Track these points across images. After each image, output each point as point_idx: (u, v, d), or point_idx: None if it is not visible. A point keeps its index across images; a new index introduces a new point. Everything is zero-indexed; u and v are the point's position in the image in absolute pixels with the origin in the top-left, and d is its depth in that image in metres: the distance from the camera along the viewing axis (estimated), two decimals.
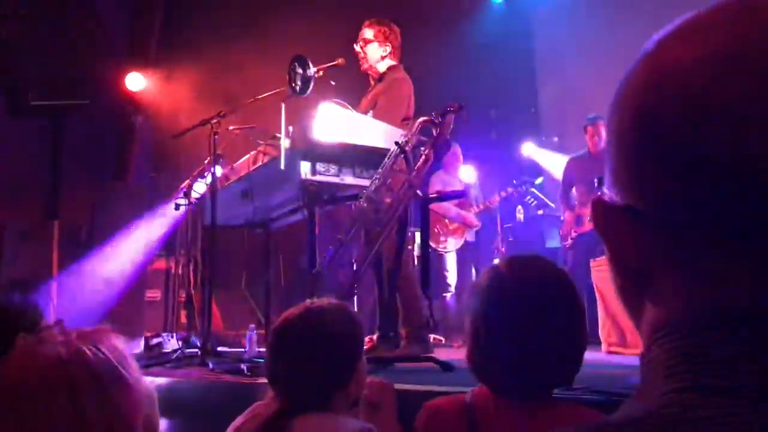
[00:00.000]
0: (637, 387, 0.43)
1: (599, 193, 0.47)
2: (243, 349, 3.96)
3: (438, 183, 5.06)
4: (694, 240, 0.40)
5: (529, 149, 6.63)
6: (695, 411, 0.37)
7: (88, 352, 0.99)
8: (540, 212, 5.92)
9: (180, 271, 5.38)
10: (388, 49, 3.65)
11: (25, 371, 0.96)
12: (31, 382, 0.95)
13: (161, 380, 2.72)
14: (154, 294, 6.08)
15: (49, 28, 5.55)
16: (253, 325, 4.05)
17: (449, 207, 5.38)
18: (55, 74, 5.57)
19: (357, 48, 3.67)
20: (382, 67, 3.67)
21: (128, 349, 1.07)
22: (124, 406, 0.98)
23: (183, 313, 5.40)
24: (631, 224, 0.43)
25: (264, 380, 1.58)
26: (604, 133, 4.71)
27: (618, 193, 0.44)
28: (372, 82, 3.73)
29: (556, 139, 6.42)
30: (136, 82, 6.35)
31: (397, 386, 1.79)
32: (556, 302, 1.20)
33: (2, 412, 0.94)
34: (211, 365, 3.06)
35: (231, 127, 3.82)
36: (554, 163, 6.14)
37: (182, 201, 4.26)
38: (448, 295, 5.39)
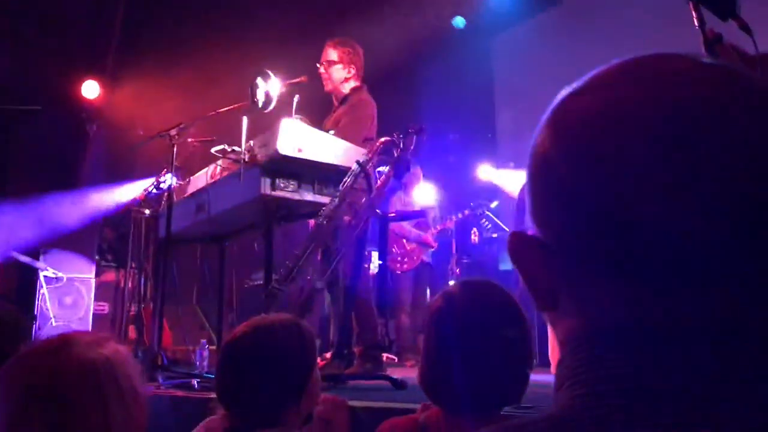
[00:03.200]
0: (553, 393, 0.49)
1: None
2: (194, 365, 3.89)
3: (397, 203, 5.10)
4: (584, 267, 0.46)
5: (486, 172, 6.74)
6: (589, 412, 0.43)
7: (114, 359, 1.00)
8: (494, 235, 6.01)
9: (131, 284, 5.26)
10: (353, 71, 3.66)
11: (58, 370, 0.96)
12: (65, 382, 0.95)
13: None
14: (101, 307, 5.93)
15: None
16: (204, 341, 3.98)
17: (408, 227, 5.42)
18: (5, 79, 5.43)
19: (321, 69, 3.67)
20: (345, 88, 3.67)
21: (136, 359, 1.10)
22: (139, 414, 1.00)
23: (131, 328, 5.27)
24: (539, 253, 0.50)
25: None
26: None
27: (532, 226, 0.51)
28: (336, 103, 3.74)
29: (512, 164, 6.55)
30: (91, 89, 6.24)
31: (351, 403, 1.79)
32: (503, 326, 1.25)
33: (34, 412, 0.93)
34: (161, 380, 3.00)
35: (190, 139, 3.79)
36: (512, 181, 6.27)
37: (136, 212, 4.19)
38: (403, 314, 5.41)
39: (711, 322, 0.42)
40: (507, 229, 5.92)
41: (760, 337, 0.42)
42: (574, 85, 0.51)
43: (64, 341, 1.01)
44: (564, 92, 0.51)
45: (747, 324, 0.42)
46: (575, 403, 0.44)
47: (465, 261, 6.05)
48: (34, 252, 5.70)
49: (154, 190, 4.10)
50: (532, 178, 0.51)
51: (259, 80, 3.12)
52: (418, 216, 4.89)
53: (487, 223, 6.00)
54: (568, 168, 0.47)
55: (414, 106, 6.79)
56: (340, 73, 3.65)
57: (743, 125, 0.43)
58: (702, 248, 0.42)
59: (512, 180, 6.31)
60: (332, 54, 3.65)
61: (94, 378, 0.97)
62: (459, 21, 6.83)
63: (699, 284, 0.42)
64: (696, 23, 1.77)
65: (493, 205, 6.13)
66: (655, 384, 0.42)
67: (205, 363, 3.72)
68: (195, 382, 2.74)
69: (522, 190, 5.24)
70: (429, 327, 1.31)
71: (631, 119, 0.45)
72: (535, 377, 1.33)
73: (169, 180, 3.63)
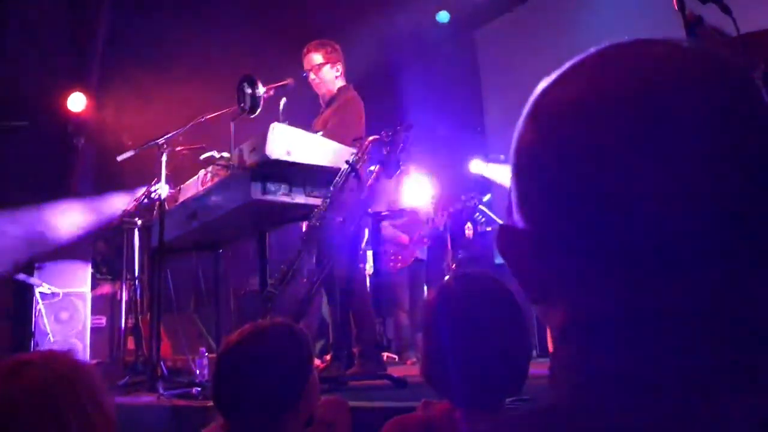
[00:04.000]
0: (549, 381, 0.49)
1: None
2: (194, 374, 3.88)
3: (384, 200, 5.10)
4: (572, 260, 0.46)
5: (477, 166, 6.74)
6: (583, 404, 0.43)
7: (71, 376, 0.98)
8: (488, 228, 6.01)
9: (126, 296, 5.24)
10: (339, 68, 3.68)
11: (11, 397, 0.94)
12: (19, 409, 0.92)
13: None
14: (99, 320, 5.91)
15: None
16: (203, 349, 3.97)
17: (386, 226, 5.42)
18: None
19: (312, 76, 3.65)
20: (335, 88, 3.68)
21: (98, 371, 1.07)
22: (103, 426, 0.98)
23: (130, 339, 5.25)
24: (527, 247, 0.49)
25: None
26: None
27: (519, 220, 0.51)
28: (323, 104, 3.74)
29: (502, 157, 6.56)
30: (77, 102, 6.21)
31: (352, 404, 1.79)
32: (501, 317, 1.25)
33: None
34: (161, 390, 2.99)
35: (179, 148, 3.77)
36: (503, 174, 6.28)
37: (128, 223, 4.17)
38: (401, 313, 5.41)
39: (701, 313, 0.42)
40: (501, 222, 5.92)
41: (751, 324, 0.42)
42: (553, 75, 0.51)
43: (13, 367, 0.98)
44: (543, 83, 0.51)
45: (738, 313, 0.42)
46: (569, 395, 0.45)
47: (460, 256, 6.05)
48: (28, 268, 5.67)
49: (146, 200, 4.09)
50: (517, 172, 0.51)
51: (245, 85, 3.11)
52: (409, 215, 4.88)
53: (480, 216, 6.00)
54: (551, 161, 0.47)
55: (402, 102, 6.78)
56: (329, 74, 3.67)
57: (725, 112, 0.43)
58: (691, 240, 0.42)
59: (503, 173, 6.32)
60: (317, 58, 3.65)
61: (48, 399, 0.93)
62: (443, 15, 6.83)
63: (689, 275, 0.42)
64: (675, 6, 1.78)
65: (486, 198, 6.13)
66: (648, 375, 0.42)
67: (205, 371, 3.71)
68: (195, 390, 2.73)
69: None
70: (427, 321, 1.31)
71: (611, 109, 0.44)
72: (535, 369, 1.33)
73: (159, 189, 3.61)
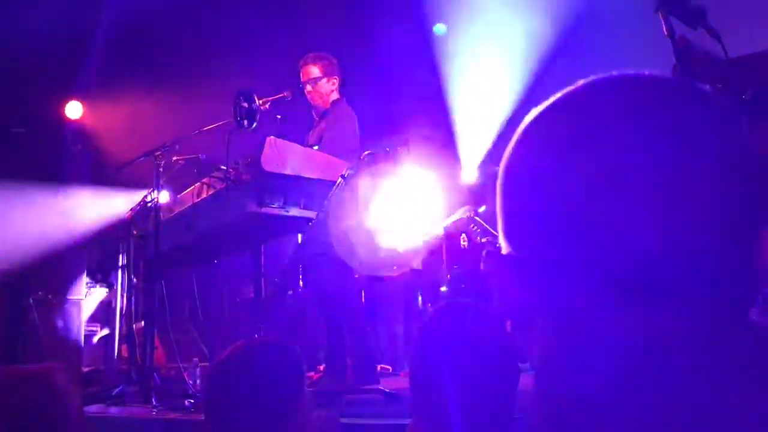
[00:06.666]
0: None
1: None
2: (187, 384, 3.88)
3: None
4: (563, 280, 0.48)
5: (470, 176, 6.75)
6: (569, 419, 0.46)
7: (40, 394, 0.98)
8: (484, 240, 6.02)
9: (122, 304, 5.24)
10: (336, 81, 3.71)
11: None
12: None
13: (102, 416, 2.65)
14: (93, 327, 5.90)
15: None
16: (196, 359, 3.98)
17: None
18: None
19: (308, 88, 3.68)
20: (329, 101, 3.70)
21: (74, 387, 1.06)
22: None
23: (124, 347, 5.25)
24: (513, 271, 0.51)
25: None
26: None
27: (505, 245, 0.53)
28: (316, 117, 3.76)
29: (497, 168, 6.59)
30: (74, 110, 6.23)
31: (344, 421, 1.80)
32: (489, 351, 1.26)
33: None
34: (154, 401, 3.00)
35: (175, 158, 3.79)
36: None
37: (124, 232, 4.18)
38: (395, 323, 5.42)
39: (692, 333, 0.43)
40: (496, 233, 5.94)
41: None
42: (544, 103, 0.53)
43: None
44: (534, 111, 0.53)
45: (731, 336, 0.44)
46: (557, 411, 0.47)
47: (455, 266, 6.06)
48: (23, 274, 5.66)
49: (141, 210, 4.10)
50: (506, 196, 0.53)
51: (242, 98, 3.14)
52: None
53: (476, 227, 6.01)
54: (534, 182, 0.49)
55: (398, 112, 6.80)
56: (326, 87, 3.69)
57: (719, 143, 0.45)
58: (683, 258, 0.43)
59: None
60: (314, 71, 3.67)
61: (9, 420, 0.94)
62: (440, 28, 6.87)
63: (683, 295, 0.43)
64: (665, 32, 1.81)
65: (481, 209, 6.15)
66: (638, 397, 0.43)
67: (198, 381, 3.72)
68: (188, 402, 2.74)
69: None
70: (412, 371, 1.31)
71: (602, 133, 0.47)
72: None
73: (155, 199, 3.63)
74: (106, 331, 5.79)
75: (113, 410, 2.97)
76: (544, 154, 0.49)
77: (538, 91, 5.46)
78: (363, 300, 4.06)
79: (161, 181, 3.65)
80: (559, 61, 5.40)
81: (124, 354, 5.23)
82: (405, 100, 6.53)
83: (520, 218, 0.51)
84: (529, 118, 0.53)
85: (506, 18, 5.86)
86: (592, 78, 0.52)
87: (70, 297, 5.76)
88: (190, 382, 3.77)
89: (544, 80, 5.39)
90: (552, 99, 0.53)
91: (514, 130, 0.53)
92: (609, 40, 5.28)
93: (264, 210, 3.04)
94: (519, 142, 0.52)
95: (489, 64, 6.09)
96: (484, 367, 1.23)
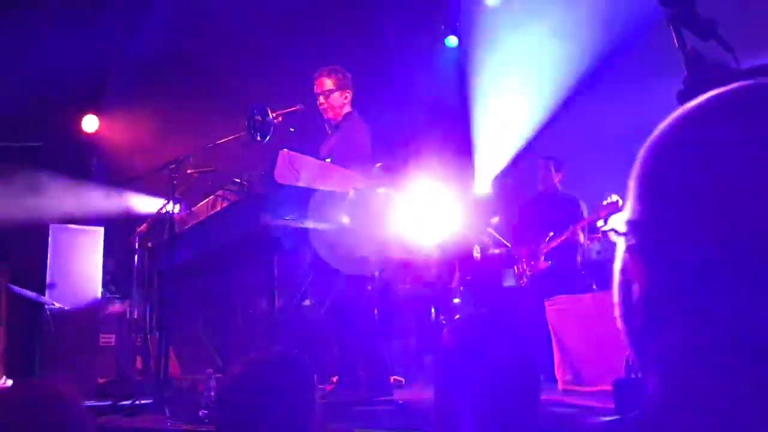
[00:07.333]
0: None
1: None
2: (201, 395, 3.89)
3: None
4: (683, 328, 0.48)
5: (484, 188, 6.76)
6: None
7: (44, 409, 0.98)
8: (496, 251, 6.02)
9: (136, 315, 5.27)
10: (348, 95, 3.75)
11: None
12: None
13: (116, 427, 2.66)
14: (108, 338, 5.93)
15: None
16: (210, 370, 3.99)
17: None
18: (6, 116, 5.50)
19: (321, 100, 3.72)
20: (342, 114, 3.75)
21: (81, 401, 1.07)
22: None
23: (138, 358, 5.27)
24: (640, 319, 0.52)
25: None
26: (552, 170, 4.93)
27: (635, 291, 0.53)
28: (329, 130, 3.80)
29: (509, 180, 6.59)
30: (91, 124, 6.31)
31: None
32: (510, 364, 1.25)
33: None
34: (168, 412, 3.01)
35: (189, 171, 3.83)
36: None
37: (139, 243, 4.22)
38: (408, 335, 5.41)
39: None
40: (508, 245, 5.93)
41: None
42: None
43: None
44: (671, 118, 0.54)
45: None
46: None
47: (467, 278, 6.05)
48: (39, 285, 5.71)
49: (156, 222, 4.13)
50: (635, 189, 0.54)
51: (255, 112, 3.17)
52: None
53: (488, 239, 6.00)
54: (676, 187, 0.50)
55: (409, 123, 6.83)
56: (338, 100, 3.73)
57: None
58: None
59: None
60: (328, 83, 3.72)
61: None
62: (451, 40, 6.91)
63: None
64: (676, 44, 1.81)
65: (494, 220, 6.15)
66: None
67: (213, 393, 3.73)
68: (202, 413, 2.75)
69: (522, 202, 5.31)
70: (436, 388, 1.31)
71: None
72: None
73: (170, 211, 3.66)
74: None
75: (127, 421, 2.98)
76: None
77: (561, 117, 5.47)
78: (376, 311, 4.06)
79: (176, 194, 3.69)
80: (586, 91, 5.40)
81: (139, 365, 5.25)
82: (418, 112, 6.56)
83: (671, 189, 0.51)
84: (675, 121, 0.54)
85: (542, 40, 5.89)
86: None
87: (85, 308, 5.81)
88: (205, 393, 3.78)
89: (569, 107, 5.39)
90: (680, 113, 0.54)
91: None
92: (642, 69, 5.29)
93: (277, 222, 3.07)
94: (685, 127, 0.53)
95: (516, 83, 6.09)
96: (504, 380, 1.23)
